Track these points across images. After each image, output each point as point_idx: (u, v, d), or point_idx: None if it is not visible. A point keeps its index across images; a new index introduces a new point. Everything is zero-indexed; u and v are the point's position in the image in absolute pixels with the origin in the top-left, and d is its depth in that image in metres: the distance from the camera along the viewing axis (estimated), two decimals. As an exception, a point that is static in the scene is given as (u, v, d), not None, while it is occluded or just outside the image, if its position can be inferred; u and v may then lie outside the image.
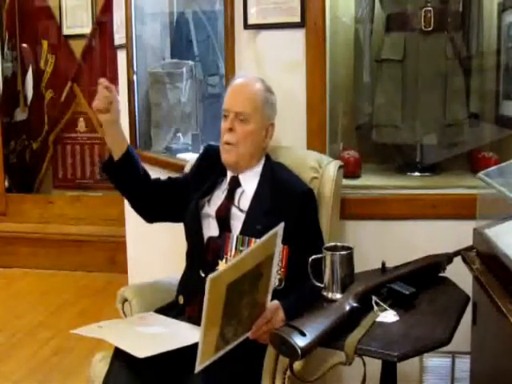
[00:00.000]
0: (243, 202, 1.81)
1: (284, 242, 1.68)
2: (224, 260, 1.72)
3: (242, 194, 1.82)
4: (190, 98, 2.97)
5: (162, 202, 1.91)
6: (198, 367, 1.39)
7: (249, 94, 1.82)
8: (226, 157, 1.83)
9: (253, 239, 1.71)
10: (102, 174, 1.85)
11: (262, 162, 1.87)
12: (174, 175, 2.06)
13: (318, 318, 1.42)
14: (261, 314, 1.50)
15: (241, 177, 1.85)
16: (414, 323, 1.48)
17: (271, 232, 1.42)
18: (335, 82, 2.33)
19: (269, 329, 1.50)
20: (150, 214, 1.95)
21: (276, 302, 1.56)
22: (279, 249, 1.47)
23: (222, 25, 2.36)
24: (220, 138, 1.85)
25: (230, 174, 1.87)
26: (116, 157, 1.79)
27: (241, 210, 1.79)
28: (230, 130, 1.80)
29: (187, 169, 2.11)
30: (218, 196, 1.85)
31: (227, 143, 1.81)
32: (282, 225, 1.44)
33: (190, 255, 1.87)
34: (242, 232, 1.75)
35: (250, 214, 1.77)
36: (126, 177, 1.83)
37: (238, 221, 1.78)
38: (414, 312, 1.53)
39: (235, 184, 1.84)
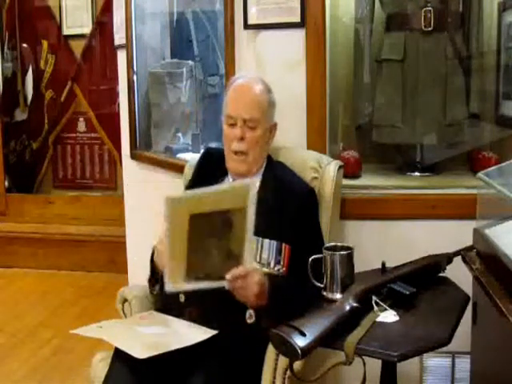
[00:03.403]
0: (245, 201, 1.80)
1: (285, 241, 1.69)
2: None
3: (243, 193, 1.82)
4: (189, 98, 2.97)
5: None
6: (168, 286, 1.54)
7: (253, 99, 1.79)
8: (237, 167, 1.80)
9: (254, 237, 1.71)
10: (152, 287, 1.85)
11: (264, 162, 1.87)
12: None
13: (318, 318, 1.42)
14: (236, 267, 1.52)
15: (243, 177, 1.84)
16: (414, 323, 1.48)
17: (240, 183, 1.46)
18: (335, 81, 2.33)
19: (243, 286, 1.51)
20: None
21: (259, 268, 1.59)
22: (252, 209, 1.49)
23: (222, 25, 2.36)
24: (223, 141, 1.83)
25: (232, 175, 1.86)
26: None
27: (242, 210, 1.79)
28: (241, 138, 1.76)
29: (186, 174, 2.09)
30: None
31: (238, 152, 1.77)
32: (254, 182, 1.47)
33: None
34: None
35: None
36: None
37: (238, 220, 1.78)
38: (413, 312, 1.53)
39: (237, 184, 1.84)
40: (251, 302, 1.56)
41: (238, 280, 1.51)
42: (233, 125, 1.78)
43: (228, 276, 1.50)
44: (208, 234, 1.52)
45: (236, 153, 1.78)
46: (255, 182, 1.47)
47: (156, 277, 1.78)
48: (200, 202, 1.52)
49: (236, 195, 1.48)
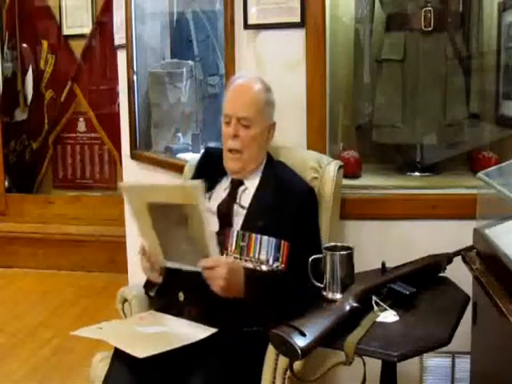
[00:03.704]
0: (245, 199, 1.81)
1: (284, 238, 1.69)
2: (224, 255, 1.72)
3: (243, 191, 1.83)
4: (189, 98, 2.97)
5: None
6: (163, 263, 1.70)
7: (250, 98, 1.81)
8: (231, 165, 1.82)
9: (253, 234, 1.71)
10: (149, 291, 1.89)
11: (264, 160, 1.88)
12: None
13: (318, 318, 1.42)
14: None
15: (238, 175, 1.85)
16: (414, 323, 1.48)
17: (188, 184, 1.57)
18: (335, 81, 2.33)
19: (211, 277, 1.56)
20: None
21: (231, 260, 1.63)
22: (204, 208, 1.54)
23: (222, 25, 2.36)
24: (222, 141, 1.85)
25: (229, 174, 1.87)
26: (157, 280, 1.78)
27: (242, 207, 1.80)
28: (235, 136, 1.78)
29: (186, 174, 2.10)
30: (219, 193, 1.86)
31: (233, 150, 1.80)
32: (200, 183, 1.51)
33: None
34: (243, 227, 1.75)
35: (251, 211, 1.78)
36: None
37: (238, 217, 1.79)
38: (413, 312, 1.53)
39: (237, 182, 1.85)
40: (221, 294, 1.58)
41: (205, 270, 1.56)
42: (228, 123, 1.80)
43: (199, 264, 1.56)
44: (170, 223, 1.59)
45: (231, 151, 1.81)
46: (201, 183, 1.52)
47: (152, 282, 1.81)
48: (153, 192, 1.62)
49: (185, 194, 1.54)
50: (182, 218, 1.56)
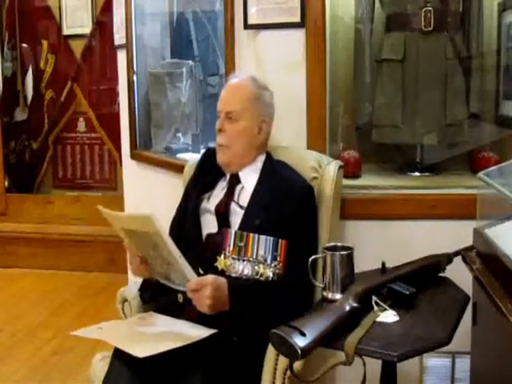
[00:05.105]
0: (243, 198, 1.82)
1: (282, 237, 1.70)
2: (223, 255, 1.72)
3: (241, 190, 1.83)
4: (190, 98, 2.97)
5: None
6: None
7: (238, 93, 1.84)
8: (220, 158, 1.86)
9: (251, 234, 1.71)
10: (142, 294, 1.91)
11: (262, 159, 1.88)
12: (177, 207, 2.01)
13: (318, 318, 1.42)
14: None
15: (240, 174, 1.86)
16: (413, 323, 1.47)
17: (141, 214, 1.57)
18: (335, 82, 2.33)
19: (197, 298, 1.57)
20: None
21: (213, 278, 1.59)
22: (166, 235, 1.55)
23: (222, 25, 2.36)
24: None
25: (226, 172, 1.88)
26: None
27: (240, 207, 1.80)
28: (220, 130, 1.82)
29: (186, 174, 2.11)
30: (218, 193, 1.87)
31: (221, 145, 1.84)
32: (152, 214, 1.51)
33: (188, 252, 1.86)
34: (241, 227, 1.75)
35: (249, 210, 1.78)
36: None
37: (237, 217, 1.79)
38: (414, 312, 1.53)
39: (235, 181, 1.85)
40: (208, 313, 1.59)
41: (191, 293, 1.58)
42: (219, 117, 1.84)
43: (186, 289, 1.59)
44: (147, 246, 1.61)
45: (220, 145, 1.84)
46: (153, 215, 1.52)
47: (147, 284, 1.83)
48: (121, 221, 1.67)
49: (143, 222, 1.55)
50: (152, 244, 1.58)
